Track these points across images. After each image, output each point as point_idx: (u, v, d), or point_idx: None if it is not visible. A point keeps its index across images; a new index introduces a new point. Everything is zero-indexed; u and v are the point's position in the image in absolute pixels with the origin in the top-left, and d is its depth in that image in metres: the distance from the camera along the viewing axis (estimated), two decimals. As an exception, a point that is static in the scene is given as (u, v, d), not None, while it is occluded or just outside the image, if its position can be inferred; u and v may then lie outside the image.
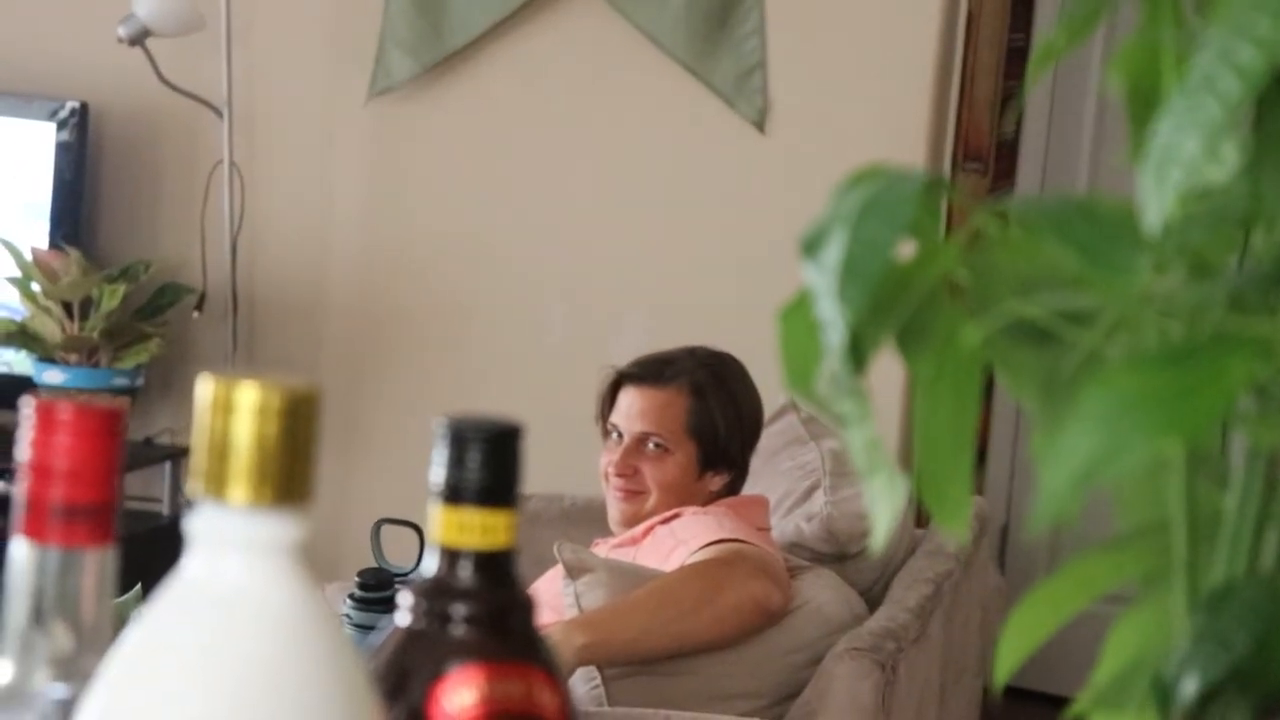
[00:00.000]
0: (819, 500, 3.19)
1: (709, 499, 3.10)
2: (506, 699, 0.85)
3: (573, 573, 2.81)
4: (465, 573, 0.86)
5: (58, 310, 4.09)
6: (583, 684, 2.67)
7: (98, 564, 0.81)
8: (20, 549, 0.80)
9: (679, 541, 2.93)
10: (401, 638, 0.87)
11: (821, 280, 0.70)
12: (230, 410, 0.71)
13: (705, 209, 4.22)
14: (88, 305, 4.08)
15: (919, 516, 3.34)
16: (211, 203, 4.37)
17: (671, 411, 3.11)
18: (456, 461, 0.86)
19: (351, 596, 2.49)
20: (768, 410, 3.44)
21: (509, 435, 0.87)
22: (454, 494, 0.86)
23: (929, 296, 0.71)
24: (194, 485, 0.73)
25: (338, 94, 4.40)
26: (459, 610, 0.86)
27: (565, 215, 4.31)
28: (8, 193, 4.39)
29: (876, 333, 0.70)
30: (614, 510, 3.10)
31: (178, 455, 4.37)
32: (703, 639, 2.77)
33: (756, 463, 3.34)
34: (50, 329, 4.10)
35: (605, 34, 4.19)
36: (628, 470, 3.11)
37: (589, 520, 3.58)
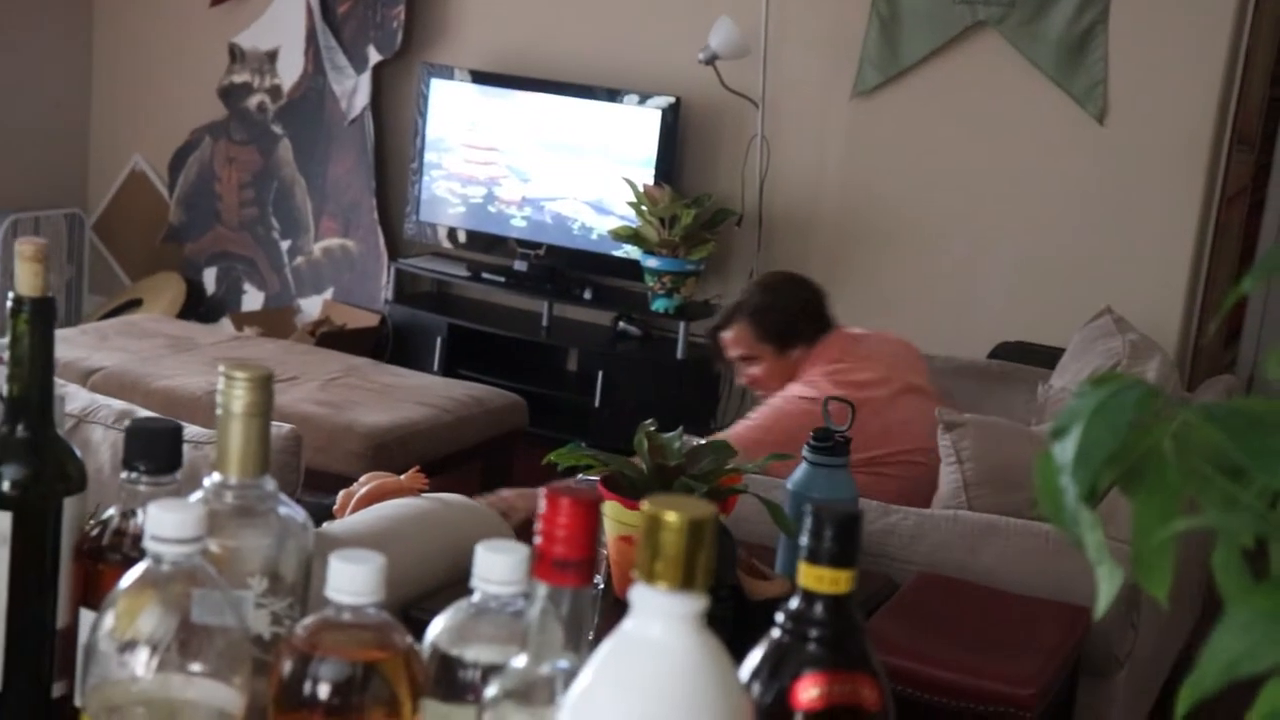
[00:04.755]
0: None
1: (799, 362, 2.95)
2: (840, 694, 0.84)
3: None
4: (818, 609, 0.85)
5: (656, 223, 4.27)
6: None
7: (584, 597, 0.81)
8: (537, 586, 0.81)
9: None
10: (775, 647, 0.86)
11: (1061, 459, 0.66)
12: (659, 526, 0.70)
13: (1061, 176, 4.13)
14: (674, 220, 4.25)
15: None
16: (749, 160, 4.47)
17: (742, 338, 3.01)
18: (816, 534, 0.84)
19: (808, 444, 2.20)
20: (1088, 314, 3.38)
21: (853, 518, 0.85)
22: (813, 556, 0.84)
23: (1146, 454, 0.66)
24: (636, 573, 0.71)
25: (830, 94, 4.39)
26: (813, 634, 0.85)
27: (967, 182, 4.25)
28: (631, 152, 4.47)
29: (1103, 481, 0.66)
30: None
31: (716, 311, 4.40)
32: None
33: (1077, 349, 3.20)
34: (651, 234, 4.29)
35: (1001, 60, 4.16)
36: (749, 381, 3.05)
37: (968, 374, 3.58)
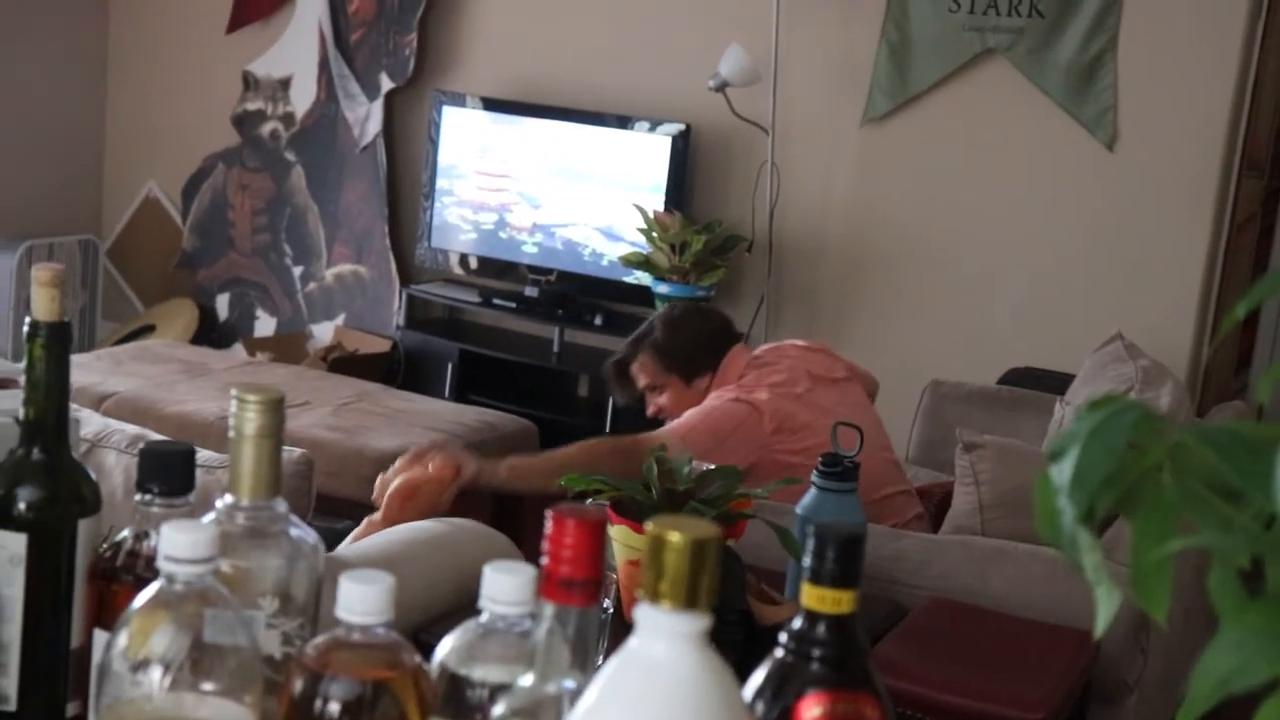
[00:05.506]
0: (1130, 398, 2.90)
1: (707, 389, 2.95)
2: (843, 714, 0.84)
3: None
4: (821, 629, 0.84)
5: (667, 249, 4.27)
6: None
7: (590, 617, 0.80)
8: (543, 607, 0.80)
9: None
10: (778, 666, 0.85)
11: (1059, 480, 0.66)
12: (663, 547, 0.70)
13: (1070, 202, 4.13)
14: (684, 246, 4.25)
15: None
16: (759, 186, 4.46)
17: (648, 368, 3.01)
18: (818, 555, 0.84)
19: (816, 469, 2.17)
20: (1097, 340, 3.35)
21: (856, 539, 0.84)
22: (816, 576, 0.84)
23: (1143, 476, 0.66)
24: (640, 593, 0.71)
25: (840, 121, 4.41)
26: (815, 653, 0.84)
27: (977, 209, 4.26)
28: (642, 178, 4.51)
29: (1101, 503, 0.66)
30: None
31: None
32: None
33: (1088, 374, 3.16)
34: (662, 260, 4.28)
35: (1010, 87, 4.17)
36: (656, 410, 3.04)
37: (978, 401, 3.63)
